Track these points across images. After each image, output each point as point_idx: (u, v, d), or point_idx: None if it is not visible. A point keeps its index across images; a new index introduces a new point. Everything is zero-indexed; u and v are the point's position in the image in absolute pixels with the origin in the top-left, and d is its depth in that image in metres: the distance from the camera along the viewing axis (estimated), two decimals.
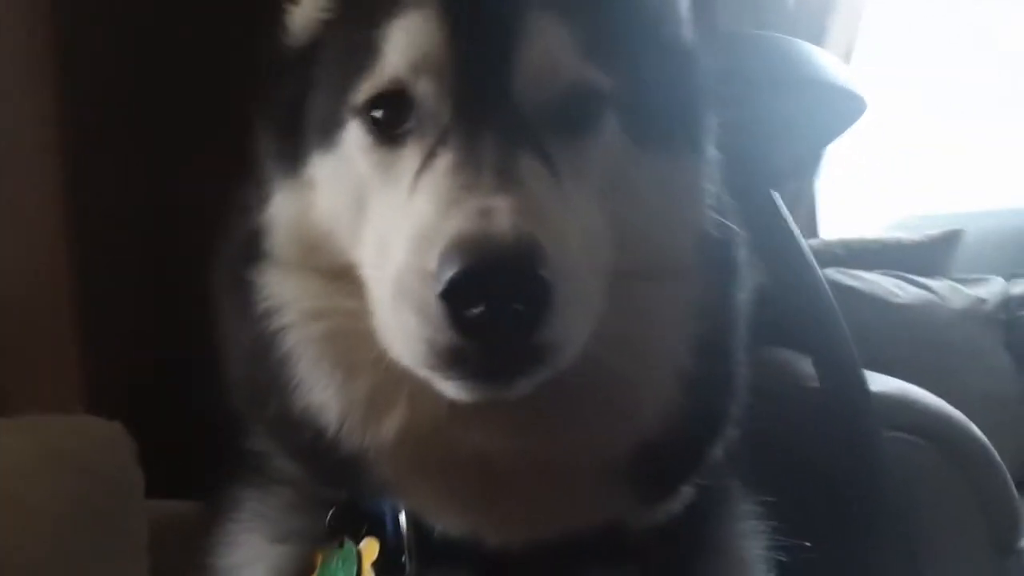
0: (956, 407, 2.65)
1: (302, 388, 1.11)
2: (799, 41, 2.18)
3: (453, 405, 1.02)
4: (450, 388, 0.98)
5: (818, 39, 3.38)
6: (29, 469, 1.69)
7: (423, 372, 0.98)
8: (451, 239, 0.90)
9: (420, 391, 1.03)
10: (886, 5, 4.17)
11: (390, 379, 1.05)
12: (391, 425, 1.08)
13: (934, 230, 3.81)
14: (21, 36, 2.34)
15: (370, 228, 1.08)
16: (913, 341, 3.28)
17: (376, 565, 1.15)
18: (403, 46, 1.06)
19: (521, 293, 0.90)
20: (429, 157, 1.01)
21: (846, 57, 3.67)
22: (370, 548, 1.17)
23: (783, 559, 1.30)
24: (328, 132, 1.12)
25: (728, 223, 1.19)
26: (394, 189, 1.04)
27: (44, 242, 2.44)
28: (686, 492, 1.18)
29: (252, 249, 1.17)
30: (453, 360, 0.94)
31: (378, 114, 1.08)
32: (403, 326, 0.96)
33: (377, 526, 1.16)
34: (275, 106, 1.20)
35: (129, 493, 1.82)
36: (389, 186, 1.05)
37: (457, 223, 0.91)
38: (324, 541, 1.19)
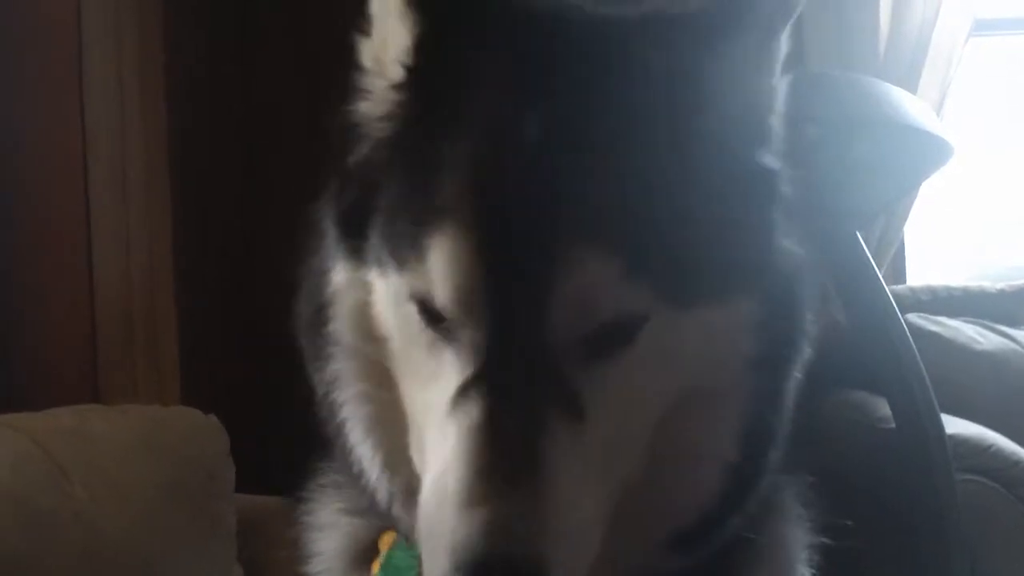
0: None
1: (355, 456, 1.14)
2: (884, 83, 2.20)
3: None
4: None
5: (909, 86, 3.39)
6: (125, 453, 1.78)
7: None
8: (457, 559, 0.90)
9: None
10: (980, 56, 4.15)
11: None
12: None
13: (1020, 280, 3.79)
14: (135, 85, 2.49)
15: (414, 393, 1.06)
16: (994, 388, 3.25)
17: None
18: (436, 270, 0.98)
19: None
20: (462, 393, 0.97)
21: (938, 106, 3.67)
22: None
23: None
24: (383, 264, 1.06)
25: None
26: (435, 386, 1.01)
27: (152, 254, 2.58)
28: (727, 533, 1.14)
29: (322, 318, 1.14)
30: None
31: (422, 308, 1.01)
32: (427, 556, 0.97)
33: None
34: (339, 191, 1.14)
35: (221, 482, 1.91)
36: (432, 379, 1.02)
37: (464, 538, 0.90)
38: (389, 523, 1.21)
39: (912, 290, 3.73)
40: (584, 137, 1.00)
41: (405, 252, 1.01)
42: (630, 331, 1.00)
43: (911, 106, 2.22)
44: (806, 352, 1.16)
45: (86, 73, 2.45)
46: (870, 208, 2.80)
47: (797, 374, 1.16)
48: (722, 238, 1.04)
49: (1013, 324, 3.61)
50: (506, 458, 0.93)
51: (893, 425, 2.45)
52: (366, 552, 1.26)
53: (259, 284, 2.78)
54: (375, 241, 1.06)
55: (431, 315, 1.01)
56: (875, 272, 2.50)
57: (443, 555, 0.91)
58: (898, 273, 3.96)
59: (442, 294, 0.98)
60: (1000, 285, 3.82)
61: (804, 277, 1.16)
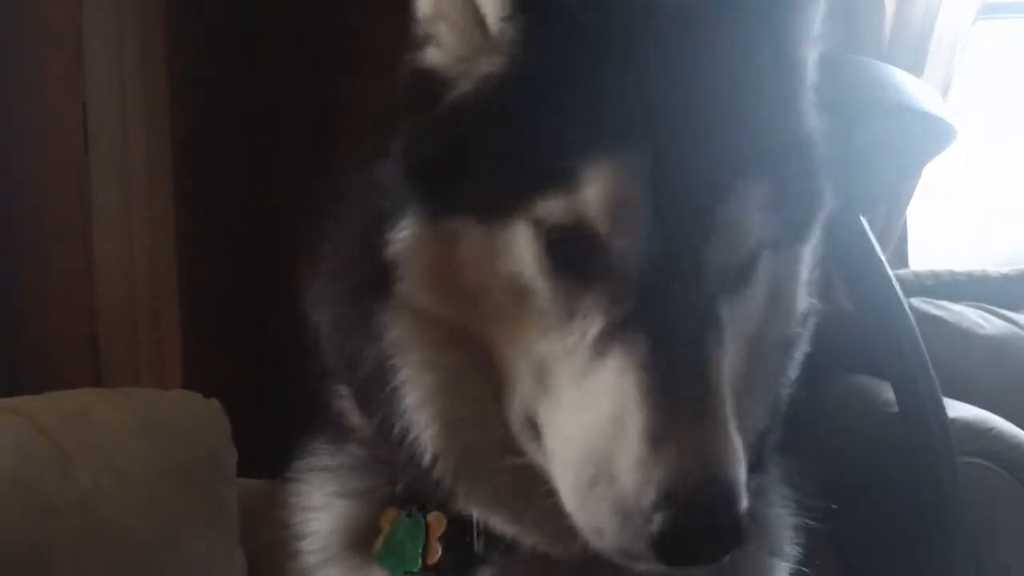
0: None
1: (405, 419, 1.13)
2: (888, 66, 2.20)
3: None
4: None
5: (915, 70, 3.36)
6: (127, 437, 1.78)
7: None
8: (666, 491, 0.92)
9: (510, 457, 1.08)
10: (987, 39, 4.13)
11: (484, 442, 1.11)
12: (479, 481, 1.13)
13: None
14: (138, 72, 2.49)
15: (529, 344, 1.05)
16: (996, 372, 3.23)
17: (443, 540, 1.18)
18: (603, 194, 1.00)
19: (723, 537, 0.95)
20: (621, 326, 0.99)
21: (944, 90, 3.64)
22: (438, 522, 1.19)
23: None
24: (487, 211, 1.06)
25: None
26: (570, 330, 1.02)
27: (154, 238, 2.58)
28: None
29: (381, 282, 1.12)
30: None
31: (561, 244, 1.03)
32: (596, 514, 0.98)
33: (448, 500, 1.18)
34: (415, 145, 1.11)
35: (222, 467, 1.91)
36: (565, 323, 1.02)
37: (669, 469, 0.93)
38: (388, 504, 1.23)
39: (915, 274, 3.72)
40: (713, 84, 1.05)
41: (544, 184, 1.02)
42: (756, 263, 1.07)
43: (916, 89, 2.22)
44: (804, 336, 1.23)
45: (88, 66, 2.45)
46: (874, 191, 2.80)
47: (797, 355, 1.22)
48: (802, 179, 1.12)
49: (1016, 309, 3.59)
50: (688, 389, 0.96)
51: (896, 409, 2.45)
52: (362, 532, 1.26)
53: (264, 268, 2.79)
54: (474, 187, 1.07)
55: (567, 255, 1.02)
56: (879, 256, 2.49)
57: (639, 491, 0.93)
58: (901, 257, 3.93)
59: (603, 212, 1.00)
60: (1004, 269, 3.80)
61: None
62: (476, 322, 1.09)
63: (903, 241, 3.94)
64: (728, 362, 1.02)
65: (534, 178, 1.03)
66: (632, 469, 0.94)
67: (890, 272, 2.50)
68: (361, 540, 1.27)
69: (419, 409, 1.13)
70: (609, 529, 0.97)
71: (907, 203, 3.66)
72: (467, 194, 1.07)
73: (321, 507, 1.31)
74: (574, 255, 1.02)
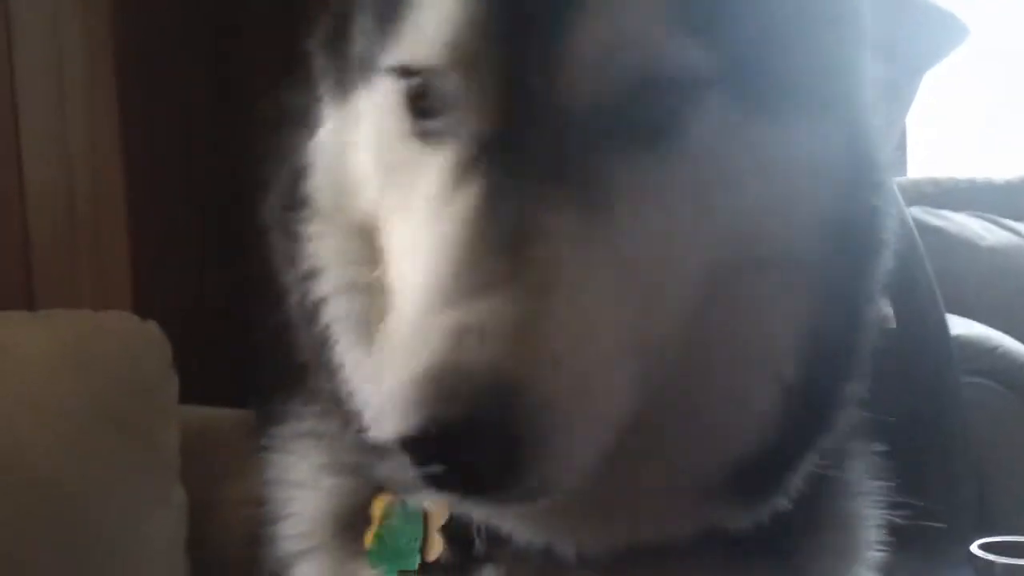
0: None
1: (345, 370, 0.97)
2: None
3: None
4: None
5: None
6: (49, 366, 1.62)
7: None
8: (414, 378, 0.72)
9: None
10: None
11: None
12: None
13: None
14: None
15: (391, 213, 0.90)
16: (1000, 285, 3.19)
17: (444, 530, 1.00)
18: (429, 22, 0.84)
19: (495, 445, 0.72)
20: (456, 181, 0.81)
21: None
22: (439, 511, 1.00)
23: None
24: (367, 70, 0.93)
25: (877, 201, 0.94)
26: (416, 193, 0.85)
27: (95, 151, 2.44)
28: (794, 486, 0.97)
29: (295, 192, 1.00)
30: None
31: (417, 95, 0.86)
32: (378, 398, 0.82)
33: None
34: (327, 16, 1.01)
35: (160, 396, 1.75)
36: (413, 186, 0.85)
37: (429, 350, 0.72)
38: (380, 488, 1.03)
39: (915, 182, 3.68)
40: None
41: (391, 21, 0.86)
42: (678, 107, 0.82)
43: None
44: (887, 261, 0.97)
45: None
46: (878, 91, 2.67)
47: (877, 286, 0.97)
48: (812, 36, 0.88)
49: (1022, 218, 3.55)
50: (494, 250, 0.75)
51: (894, 325, 2.34)
52: (354, 518, 1.06)
53: (221, 183, 2.64)
54: (359, 47, 0.93)
55: (423, 106, 0.85)
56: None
57: (402, 367, 0.73)
58: (899, 165, 3.84)
59: (435, 50, 0.82)
60: (1009, 176, 3.75)
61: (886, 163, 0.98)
62: (368, 208, 0.93)
63: (902, 147, 3.85)
64: (642, 241, 0.81)
65: (387, 10, 0.87)
66: (404, 343, 0.75)
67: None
68: (353, 525, 1.07)
69: (353, 348, 0.96)
70: (381, 416, 0.80)
71: (908, 106, 3.54)
72: (355, 53, 0.94)
73: (306, 483, 1.09)
74: (426, 105, 0.84)
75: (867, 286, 0.95)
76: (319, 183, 0.98)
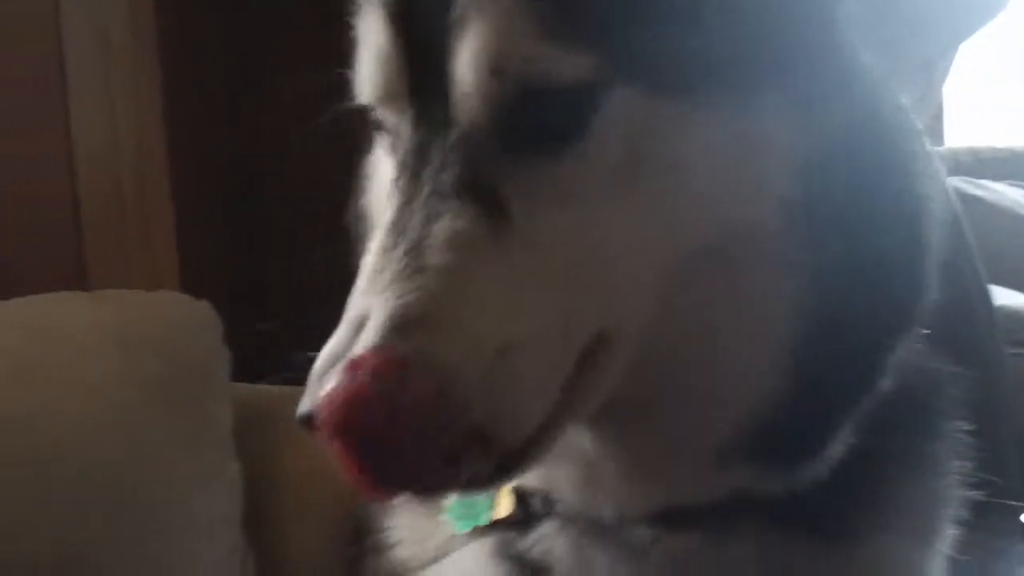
0: None
1: None
2: None
3: None
4: None
5: None
6: (96, 346, 1.63)
7: None
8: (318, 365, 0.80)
9: None
10: None
11: None
12: None
13: None
14: None
15: None
16: None
17: (512, 492, 1.06)
18: (360, 64, 0.93)
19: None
20: (387, 197, 0.89)
21: None
22: None
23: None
24: None
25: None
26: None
27: (142, 133, 2.45)
28: (835, 449, 0.98)
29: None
30: None
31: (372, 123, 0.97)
32: None
33: None
34: None
35: (212, 375, 1.77)
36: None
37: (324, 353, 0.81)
38: None
39: (953, 152, 3.63)
40: None
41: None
42: (571, 112, 0.85)
43: None
44: (927, 226, 0.98)
45: None
46: (912, 64, 2.63)
47: (919, 252, 0.98)
48: (732, 16, 0.87)
49: None
50: (393, 253, 0.83)
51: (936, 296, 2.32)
52: None
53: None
54: None
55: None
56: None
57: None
58: (937, 134, 3.82)
59: (365, 89, 0.93)
60: None
61: (902, 116, 0.99)
62: None
63: (939, 117, 3.81)
64: (544, 239, 0.85)
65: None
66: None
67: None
68: None
69: None
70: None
71: (943, 81, 3.51)
72: None
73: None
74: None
75: (899, 253, 0.97)
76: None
